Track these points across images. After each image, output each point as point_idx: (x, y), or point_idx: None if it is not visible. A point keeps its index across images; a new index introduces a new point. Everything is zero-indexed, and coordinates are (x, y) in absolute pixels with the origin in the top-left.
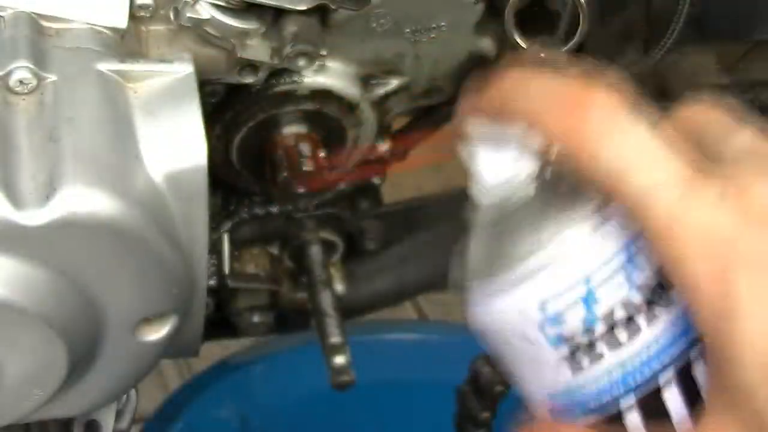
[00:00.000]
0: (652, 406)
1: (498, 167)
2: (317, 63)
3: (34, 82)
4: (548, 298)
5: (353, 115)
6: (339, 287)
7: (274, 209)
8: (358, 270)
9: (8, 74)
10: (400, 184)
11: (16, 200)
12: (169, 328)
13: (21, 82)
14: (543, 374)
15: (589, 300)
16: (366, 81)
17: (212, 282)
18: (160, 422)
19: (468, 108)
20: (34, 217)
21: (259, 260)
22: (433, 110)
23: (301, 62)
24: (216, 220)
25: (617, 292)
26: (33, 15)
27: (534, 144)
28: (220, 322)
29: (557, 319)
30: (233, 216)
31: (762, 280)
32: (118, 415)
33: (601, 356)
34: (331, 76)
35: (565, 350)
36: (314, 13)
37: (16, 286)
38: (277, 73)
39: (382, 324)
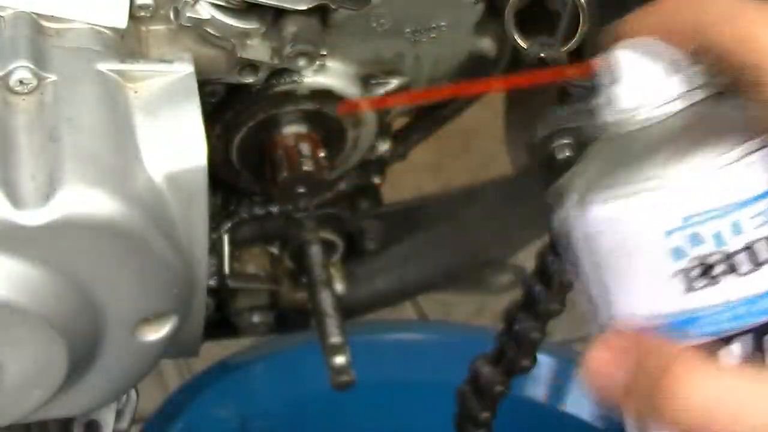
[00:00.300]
0: (759, 344)
1: (645, 89)
2: (317, 63)
3: (34, 82)
4: (675, 227)
5: (353, 115)
6: (339, 287)
7: (274, 209)
8: (358, 270)
9: (8, 74)
10: (400, 184)
11: (16, 200)
12: (169, 328)
13: (21, 82)
14: (648, 289)
15: (733, 227)
16: (366, 81)
17: (212, 282)
18: (160, 422)
19: (623, 27)
20: (34, 217)
21: (259, 260)
22: (433, 110)
23: (301, 62)
24: (216, 220)
25: (762, 228)
26: (33, 15)
27: (687, 65)
28: (220, 322)
29: (679, 253)
30: (233, 216)
31: None
32: (118, 415)
33: (721, 281)
34: (331, 76)
35: (684, 266)
36: (314, 13)
37: (17, 286)
38: (277, 73)
39: (382, 324)
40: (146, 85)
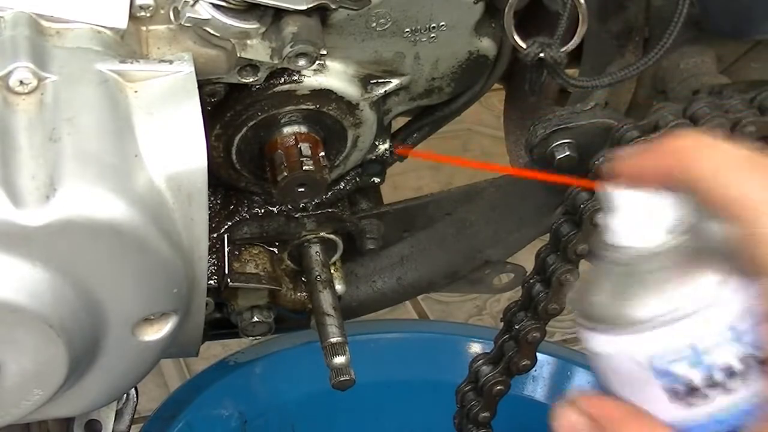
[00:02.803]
0: None
1: (647, 211)
2: (317, 63)
3: (34, 82)
4: (657, 356)
5: (353, 115)
6: (339, 287)
7: (274, 209)
8: (358, 270)
9: (8, 74)
10: (400, 184)
11: (16, 200)
12: (170, 327)
13: (21, 82)
14: (642, 400)
15: (698, 363)
16: (366, 81)
17: (212, 282)
18: (160, 422)
19: (626, 160)
20: (34, 216)
21: (259, 260)
22: (433, 110)
23: (301, 62)
24: (216, 220)
25: (733, 351)
26: (33, 15)
27: (671, 207)
28: (220, 322)
29: (665, 375)
30: (233, 216)
31: None
32: (118, 415)
33: (709, 399)
34: (331, 76)
35: (674, 390)
36: (314, 13)
37: (16, 286)
38: (277, 73)
39: (382, 324)
40: (146, 85)
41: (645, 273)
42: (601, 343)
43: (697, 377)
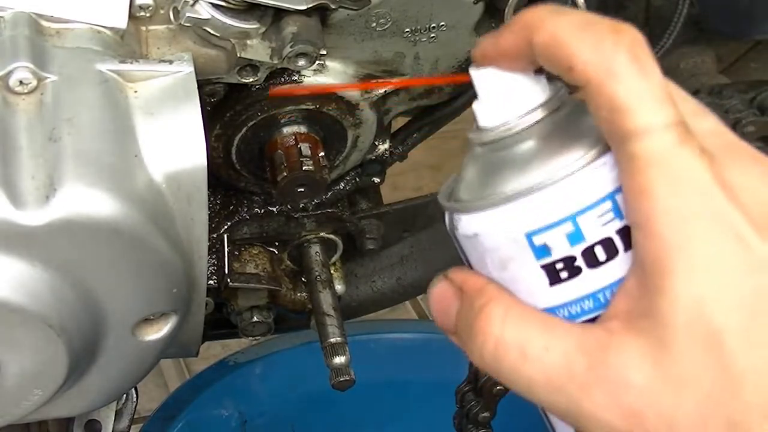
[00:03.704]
0: None
1: (508, 91)
2: (317, 63)
3: (34, 82)
4: (535, 230)
5: (353, 115)
6: (339, 287)
7: (274, 209)
8: (358, 270)
9: (8, 74)
10: (400, 184)
11: (16, 200)
12: (169, 328)
13: (21, 82)
14: (520, 281)
15: (574, 236)
16: (366, 81)
17: (212, 282)
18: (160, 422)
19: (488, 42)
20: (34, 217)
21: (259, 260)
22: (433, 110)
23: (301, 62)
24: (216, 220)
25: (601, 231)
26: (33, 15)
27: (543, 83)
28: (220, 322)
29: (542, 250)
30: (233, 216)
31: (714, 237)
32: (118, 415)
33: (579, 272)
34: (331, 76)
35: (545, 274)
36: (314, 13)
37: (16, 286)
38: (277, 73)
39: (382, 324)
40: (146, 85)
41: (514, 149)
42: (472, 223)
43: (576, 251)
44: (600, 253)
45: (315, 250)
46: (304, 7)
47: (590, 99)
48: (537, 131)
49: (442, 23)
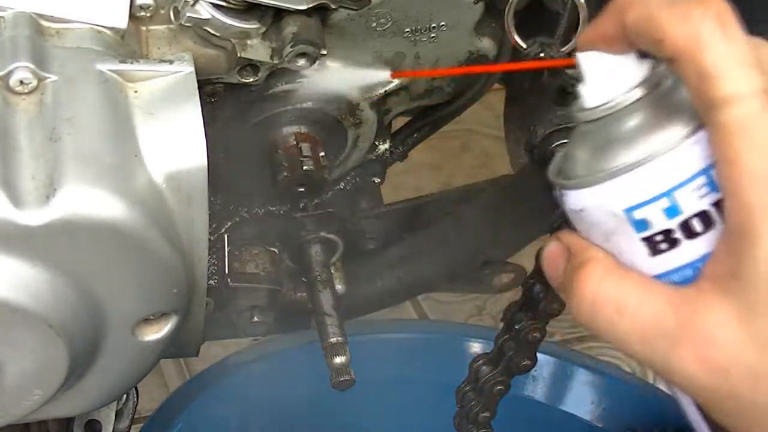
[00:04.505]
0: None
1: (609, 73)
2: (317, 63)
3: (34, 82)
4: (634, 205)
5: (353, 115)
6: (339, 287)
7: (274, 209)
8: (358, 270)
9: (8, 74)
10: (400, 184)
11: (16, 200)
12: (170, 327)
13: (21, 82)
14: (622, 253)
15: (671, 210)
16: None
17: (212, 282)
18: (160, 422)
19: (589, 29)
20: (34, 217)
21: (259, 260)
22: (433, 110)
23: (302, 62)
24: (216, 220)
25: (697, 206)
26: (33, 15)
27: (643, 63)
28: (220, 322)
29: (641, 224)
30: (233, 216)
31: None
32: (118, 415)
33: (677, 243)
34: (331, 76)
35: (645, 246)
36: (314, 13)
37: (16, 286)
38: (277, 73)
39: (382, 324)
40: (146, 85)
41: (615, 127)
42: (578, 199)
43: (673, 224)
44: (697, 225)
45: (315, 250)
46: (304, 7)
47: (682, 70)
48: (636, 109)
49: (443, 23)
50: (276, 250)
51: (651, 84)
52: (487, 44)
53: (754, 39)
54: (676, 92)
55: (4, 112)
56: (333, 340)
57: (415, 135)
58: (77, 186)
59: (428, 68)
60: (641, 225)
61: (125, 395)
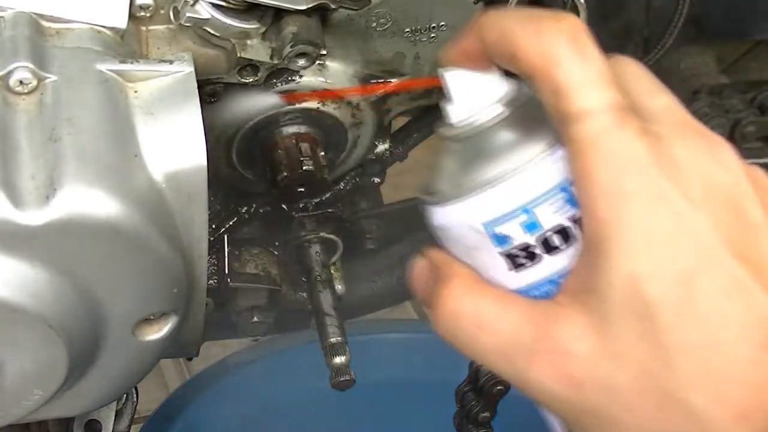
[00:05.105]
0: None
1: (470, 90)
2: (317, 63)
3: (34, 82)
4: (493, 221)
5: (353, 115)
6: (339, 287)
7: (274, 209)
8: (358, 270)
9: (8, 74)
10: (400, 184)
11: (16, 200)
12: (169, 327)
13: (21, 82)
14: (485, 268)
15: (530, 226)
16: (366, 81)
17: (212, 282)
18: (160, 422)
19: (451, 46)
20: (34, 217)
21: (259, 260)
22: (433, 110)
23: (302, 62)
24: (216, 220)
25: (555, 220)
26: (33, 15)
27: (503, 82)
28: (220, 322)
29: (501, 240)
30: (233, 216)
31: (649, 214)
32: (118, 415)
33: (536, 258)
34: (331, 76)
35: (506, 261)
36: (314, 13)
37: (16, 286)
38: (277, 73)
39: (382, 324)
40: (146, 85)
41: (477, 144)
42: (441, 215)
43: (532, 239)
44: (556, 240)
45: (315, 250)
46: (304, 7)
47: (538, 87)
48: (497, 126)
49: (442, 23)
50: (276, 250)
51: (513, 101)
52: None
53: (617, 57)
54: (536, 109)
55: (4, 112)
56: (333, 340)
57: (415, 135)
58: (77, 186)
59: (428, 68)
60: (501, 240)
61: (125, 395)
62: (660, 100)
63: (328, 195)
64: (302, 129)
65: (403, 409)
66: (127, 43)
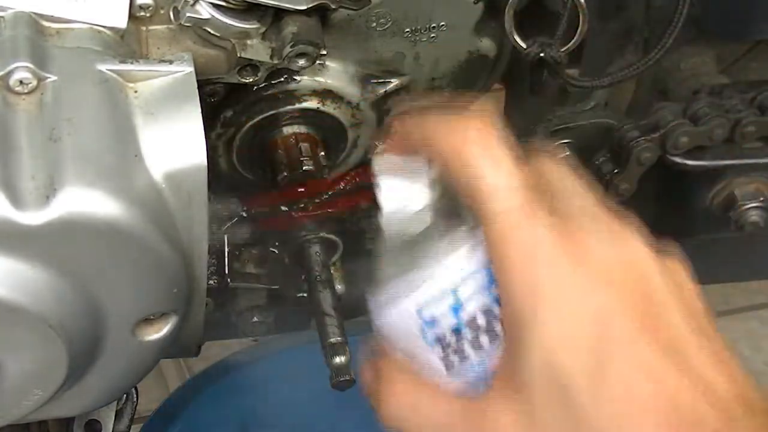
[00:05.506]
0: None
1: (398, 196)
2: (317, 63)
3: (34, 82)
4: (423, 305)
5: (353, 115)
6: (339, 287)
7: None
8: (358, 270)
9: (8, 74)
10: None
11: (16, 200)
12: (170, 327)
13: (21, 82)
14: (423, 368)
15: (456, 308)
16: (366, 81)
17: (212, 282)
18: (160, 422)
19: (378, 147)
20: (34, 217)
21: (259, 260)
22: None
23: (302, 62)
24: (216, 220)
25: (479, 301)
26: (33, 15)
27: (428, 172)
28: (220, 322)
29: (432, 323)
30: (233, 216)
31: (559, 297)
32: (118, 415)
33: (467, 356)
34: (331, 76)
35: (439, 351)
36: (314, 13)
37: (16, 286)
38: (277, 73)
39: None
40: (146, 85)
41: (407, 233)
42: (380, 313)
43: (461, 322)
44: (483, 322)
45: (315, 250)
46: (304, 7)
47: (455, 182)
48: (422, 215)
49: (442, 23)
50: (276, 250)
51: (438, 187)
52: (487, 44)
53: (543, 155)
54: (455, 199)
55: (4, 112)
56: (333, 340)
57: None
58: (77, 186)
59: (428, 67)
60: (431, 324)
61: (125, 395)
62: (576, 201)
63: (328, 195)
64: (302, 129)
65: None
66: (127, 43)
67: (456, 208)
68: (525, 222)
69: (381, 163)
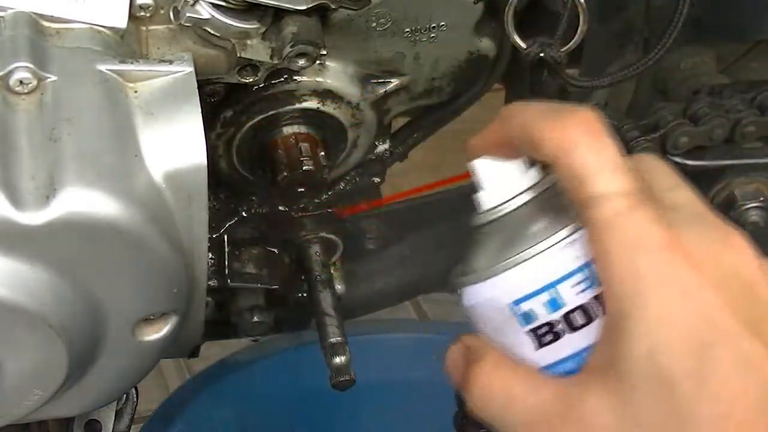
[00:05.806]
0: None
1: (498, 179)
2: (317, 63)
3: (34, 82)
4: (518, 293)
5: (353, 115)
6: (339, 287)
7: (274, 209)
8: (358, 270)
9: (8, 74)
10: (400, 185)
11: (16, 200)
12: (170, 327)
13: (21, 82)
14: (512, 346)
15: (553, 302)
16: (366, 81)
17: (212, 282)
18: (160, 422)
19: (478, 137)
20: (34, 217)
21: (259, 260)
22: (433, 110)
23: (302, 62)
24: (216, 220)
25: (578, 299)
26: (33, 15)
27: (527, 165)
28: (220, 322)
29: (526, 313)
30: (233, 216)
31: (662, 294)
32: (118, 415)
33: (560, 336)
34: (331, 76)
35: (537, 333)
36: (314, 13)
37: (17, 286)
38: (277, 73)
39: (382, 324)
40: (146, 85)
41: (506, 228)
42: (471, 295)
43: (556, 317)
44: (579, 317)
45: (315, 250)
46: (304, 7)
47: (558, 174)
48: (522, 211)
49: (442, 23)
50: (276, 250)
51: (537, 186)
52: (487, 44)
53: (642, 154)
54: (560, 193)
55: (4, 112)
56: (333, 340)
57: (415, 135)
58: (77, 186)
59: (428, 67)
60: (526, 318)
61: (125, 395)
62: (680, 194)
63: (328, 195)
64: (302, 129)
65: (403, 409)
66: (127, 43)
67: (556, 202)
68: (630, 210)
69: (479, 160)
